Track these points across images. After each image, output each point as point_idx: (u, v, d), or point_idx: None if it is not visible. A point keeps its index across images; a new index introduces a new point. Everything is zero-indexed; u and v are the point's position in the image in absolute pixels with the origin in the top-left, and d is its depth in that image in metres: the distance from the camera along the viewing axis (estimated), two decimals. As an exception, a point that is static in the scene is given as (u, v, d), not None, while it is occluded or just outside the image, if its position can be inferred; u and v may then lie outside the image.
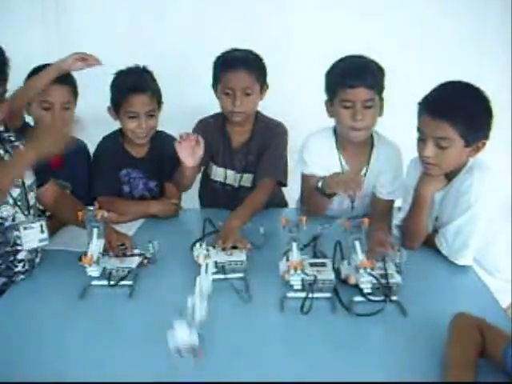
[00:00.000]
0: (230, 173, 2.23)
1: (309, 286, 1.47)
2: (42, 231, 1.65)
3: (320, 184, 1.90)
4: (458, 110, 1.59)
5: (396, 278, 1.48)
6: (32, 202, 1.69)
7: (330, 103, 1.96)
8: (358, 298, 1.47)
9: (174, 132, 2.25)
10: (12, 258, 1.61)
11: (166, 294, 1.53)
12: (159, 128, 2.19)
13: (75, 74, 2.08)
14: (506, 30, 2.70)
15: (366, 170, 2.04)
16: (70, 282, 1.56)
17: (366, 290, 1.47)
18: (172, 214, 2.12)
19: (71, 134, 1.62)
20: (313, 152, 2.04)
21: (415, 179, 1.79)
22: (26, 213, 1.64)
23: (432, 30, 2.78)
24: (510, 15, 2.66)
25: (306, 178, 2.08)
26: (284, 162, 2.16)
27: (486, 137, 1.64)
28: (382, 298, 1.45)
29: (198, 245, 1.67)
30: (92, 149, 2.21)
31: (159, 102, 2.13)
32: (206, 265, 1.47)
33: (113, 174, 2.18)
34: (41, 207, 1.82)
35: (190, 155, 1.92)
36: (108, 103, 2.11)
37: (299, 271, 1.47)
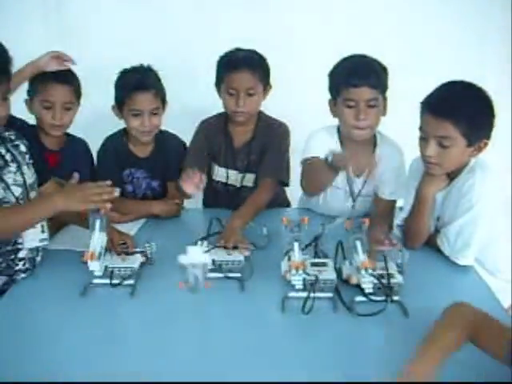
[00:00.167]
0: (231, 173, 2.23)
1: (310, 286, 1.47)
2: (43, 231, 1.65)
3: (330, 158, 1.82)
4: (460, 109, 1.59)
5: (397, 278, 1.48)
6: None
7: (334, 103, 1.95)
8: (360, 298, 1.47)
9: (176, 132, 2.27)
10: (13, 257, 1.61)
11: (168, 294, 1.53)
12: (162, 127, 2.19)
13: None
14: (506, 30, 2.70)
15: (369, 169, 2.04)
16: (72, 281, 1.56)
17: (367, 290, 1.47)
18: (174, 213, 2.12)
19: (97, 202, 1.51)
20: (317, 144, 2.00)
21: (417, 179, 1.79)
22: None
23: (433, 30, 2.78)
24: (510, 15, 2.66)
25: (308, 161, 2.01)
26: (286, 162, 2.17)
27: (488, 137, 1.64)
28: (383, 298, 1.45)
29: (199, 243, 1.69)
30: (95, 148, 2.21)
31: (163, 101, 2.12)
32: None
33: (116, 174, 2.18)
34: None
35: (192, 187, 1.88)
36: (111, 102, 2.11)
37: (301, 271, 1.47)
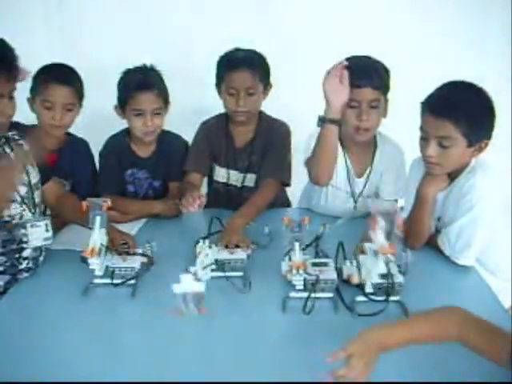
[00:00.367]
0: (232, 173, 2.23)
1: (311, 286, 1.47)
2: (47, 230, 1.65)
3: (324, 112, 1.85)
4: (460, 109, 1.59)
5: (398, 278, 1.48)
6: (37, 200, 1.70)
7: None
8: (361, 298, 1.47)
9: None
10: (17, 256, 1.61)
11: (169, 294, 1.53)
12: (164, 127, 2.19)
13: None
14: (507, 29, 2.70)
15: (370, 170, 2.04)
16: (73, 281, 1.57)
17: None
18: (175, 213, 2.12)
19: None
20: None
21: (417, 179, 1.79)
22: (32, 211, 1.66)
23: (434, 30, 2.78)
24: (510, 15, 2.66)
25: (312, 153, 1.98)
26: (288, 163, 2.17)
27: (489, 137, 1.64)
28: (384, 297, 1.45)
29: (201, 241, 1.69)
30: (97, 148, 2.21)
31: (166, 102, 2.12)
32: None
33: (118, 174, 2.19)
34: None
35: (193, 209, 1.87)
36: (111, 102, 2.11)
37: (301, 271, 1.47)
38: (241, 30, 2.58)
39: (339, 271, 1.56)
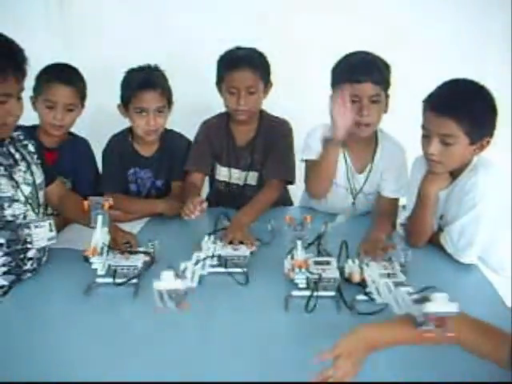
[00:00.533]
0: (234, 171, 2.23)
1: (313, 285, 1.47)
2: (51, 230, 1.65)
3: (328, 134, 1.89)
4: (462, 107, 1.59)
5: (400, 277, 1.47)
6: (42, 200, 1.70)
7: None
8: (361, 297, 1.47)
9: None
10: (22, 256, 1.61)
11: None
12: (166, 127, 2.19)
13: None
14: (507, 29, 2.69)
15: (370, 168, 2.04)
16: (75, 280, 1.57)
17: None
18: (177, 212, 2.12)
19: None
20: (316, 143, 2.00)
21: (420, 177, 1.78)
22: (36, 211, 1.66)
23: (434, 30, 2.77)
24: (510, 15, 2.65)
25: (312, 163, 2.02)
26: (291, 161, 2.17)
27: (491, 135, 1.64)
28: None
29: (206, 237, 1.71)
30: (100, 147, 2.22)
31: (169, 101, 2.12)
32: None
33: (121, 173, 2.19)
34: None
35: (194, 216, 1.87)
36: (113, 101, 2.11)
37: (304, 270, 1.47)
38: (241, 30, 2.58)
39: (341, 270, 1.56)
